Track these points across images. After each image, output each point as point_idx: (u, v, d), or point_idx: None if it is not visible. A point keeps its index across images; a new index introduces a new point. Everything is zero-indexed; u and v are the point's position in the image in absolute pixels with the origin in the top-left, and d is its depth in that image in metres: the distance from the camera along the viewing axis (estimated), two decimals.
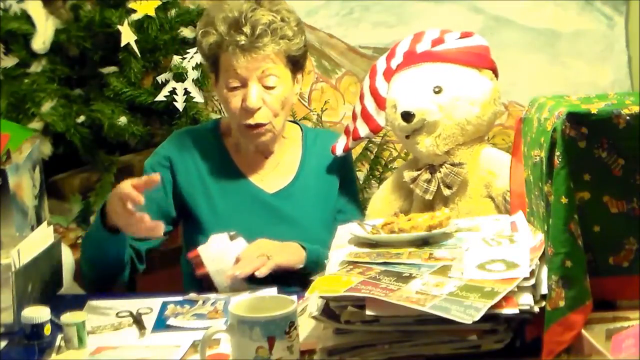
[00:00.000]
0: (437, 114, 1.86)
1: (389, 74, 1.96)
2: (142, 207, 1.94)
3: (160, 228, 1.73)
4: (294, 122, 2.15)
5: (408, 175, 1.93)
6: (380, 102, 1.97)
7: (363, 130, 2.00)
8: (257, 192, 2.00)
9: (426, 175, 1.91)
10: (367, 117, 1.99)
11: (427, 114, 1.86)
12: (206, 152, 2.01)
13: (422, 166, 1.93)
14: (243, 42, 1.85)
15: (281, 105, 1.93)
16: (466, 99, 1.88)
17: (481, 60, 1.94)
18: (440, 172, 1.89)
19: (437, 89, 1.87)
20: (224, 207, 1.96)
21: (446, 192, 1.88)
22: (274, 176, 2.03)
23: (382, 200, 2.04)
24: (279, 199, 2.00)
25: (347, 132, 2.04)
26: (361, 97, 2.02)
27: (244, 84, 1.89)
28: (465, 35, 1.97)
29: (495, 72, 1.96)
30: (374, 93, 1.98)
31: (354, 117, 2.03)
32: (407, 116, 1.86)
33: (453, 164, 1.89)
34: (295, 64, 1.97)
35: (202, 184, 1.99)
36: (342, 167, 2.08)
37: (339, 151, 2.03)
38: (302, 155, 2.06)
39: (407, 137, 1.91)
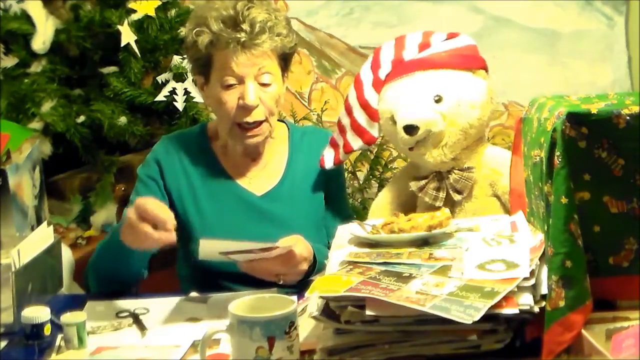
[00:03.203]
0: (442, 123, 1.84)
1: (378, 85, 1.92)
2: None
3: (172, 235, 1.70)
4: (280, 120, 2.13)
5: (415, 185, 1.91)
6: (372, 114, 1.93)
7: (356, 143, 1.96)
8: (245, 195, 1.99)
9: (435, 184, 1.88)
10: (359, 130, 1.95)
11: (432, 125, 1.83)
12: (194, 156, 2.01)
13: (428, 174, 1.91)
14: (244, 39, 1.86)
15: (276, 103, 1.94)
16: (467, 104, 1.86)
17: (473, 61, 1.91)
18: (449, 178, 1.88)
19: (437, 98, 1.84)
20: (212, 211, 1.96)
21: (457, 197, 1.87)
22: (261, 178, 2.02)
23: (382, 211, 2.01)
24: (268, 201, 1.99)
25: (333, 144, 2.00)
26: (348, 110, 1.97)
27: (241, 82, 1.90)
28: (451, 36, 1.94)
29: (486, 69, 1.93)
30: (365, 105, 1.93)
31: (342, 130, 1.98)
32: (411, 129, 1.82)
33: (462, 169, 1.88)
34: (286, 61, 1.98)
35: (190, 187, 1.99)
36: None
37: (329, 164, 1.99)
38: (289, 154, 2.06)
39: (411, 149, 1.88)
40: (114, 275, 1.87)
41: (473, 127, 1.87)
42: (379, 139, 2.07)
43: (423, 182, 1.91)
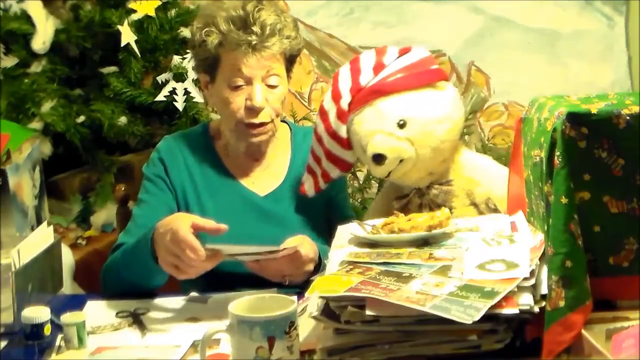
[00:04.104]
0: (410, 148, 1.80)
1: (343, 116, 1.87)
2: (156, 211, 1.94)
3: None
4: (282, 120, 2.13)
5: (398, 203, 1.90)
6: (343, 143, 1.90)
7: (334, 172, 1.94)
8: (248, 195, 2.00)
9: (417, 201, 1.87)
10: (334, 159, 1.93)
11: (400, 152, 1.80)
12: (197, 156, 2.01)
13: (409, 191, 1.89)
14: (255, 42, 1.86)
15: (281, 104, 1.95)
16: (433, 122, 1.81)
17: (431, 75, 1.86)
18: (429, 194, 1.86)
19: (401, 122, 1.80)
20: (215, 211, 1.95)
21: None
22: (264, 178, 2.02)
23: None
24: (271, 202, 1.99)
25: (310, 171, 1.97)
26: (319, 140, 1.93)
27: (248, 83, 1.90)
28: (404, 51, 1.89)
29: (446, 78, 1.89)
30: (334, 136, 1.90)
31: (317, 159, 1.95)
32: (378, 158, 1.80)
33: (441, 183, 1.86)
34: (292, 63, 1.99)
35: (193, 187, 1.99)
36: None
37: (310, 192, 1.97)
38: (292, 155, 2.06)
39: (388, 175, 1.85)
40: (139, 285, 1.85)
41: (445, 141, 1.83)
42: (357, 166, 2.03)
43: (405, 200, 1.89)
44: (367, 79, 1.86)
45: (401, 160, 1.81)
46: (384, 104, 1.82)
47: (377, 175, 1.89)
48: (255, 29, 1.87)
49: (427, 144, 1.81)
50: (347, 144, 1.90)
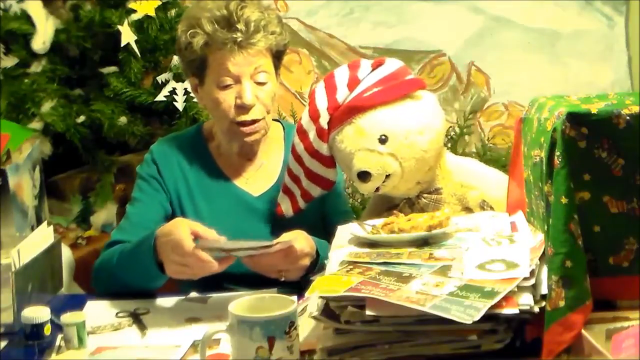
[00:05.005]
0: (394, 163, 1.78)
1: (323, 135, 1.84)
2: (150, 210, 1.94)
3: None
4: (275, 119, 2.13)
5: (388, 215, 1.90)
6: (325, 161, 1.87)
7: (314, 191, 1.92)
8: (241, 195, 2.00)
9: (407, 211, 1.85)
10: (315, 178, 1.90)
11: (385, 168, 1.78)
12: (190, 157, 2.01)
13: (399, 202, 1.88)
14: (240, 39, 1.87)
15: (271, 101, 1.95)
16: (414, 133, 1.79)
17: (406, 87, 1.83)
18: (418, 203, 1.86)
19: (383, 137, 1.78)
20: (209, 212, 1.96)
21: None
22: (258, 178, 2.03)
23: None
24: (264, 202, 1.99)
25: (287, 191, 1.94)
26: (297, 160, 1.90)
27: (237, 82, 1.90)
28: (377, 64, 1.86)
29: (423, 86, 1.86)
30: (315, 155, 1.87)
31: (295, 179, 1.92)
32: (363, 175, 1.78)
33: (430, 192, 1.86)
34: (279, 59, 1.99)
35: (187, 188, 1.99)
36: None
37: (288, 213, 1.94)
38: (285, 154, 2.05)
39: (376, 190, 1.83)
40: (135, 287, 1.84)
41: (429, 151, 1.80)
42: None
43: (395, 211, 1.89)
44: (343, 95, 1.83)
45: (388, 175, 1.79)
46: (363, 120, 1.79)
47: (365, 192, 1.87)
48: (240, 26, 1.87)
49: (411, 156, 1.79)
50: (329, 162, 1.88)
